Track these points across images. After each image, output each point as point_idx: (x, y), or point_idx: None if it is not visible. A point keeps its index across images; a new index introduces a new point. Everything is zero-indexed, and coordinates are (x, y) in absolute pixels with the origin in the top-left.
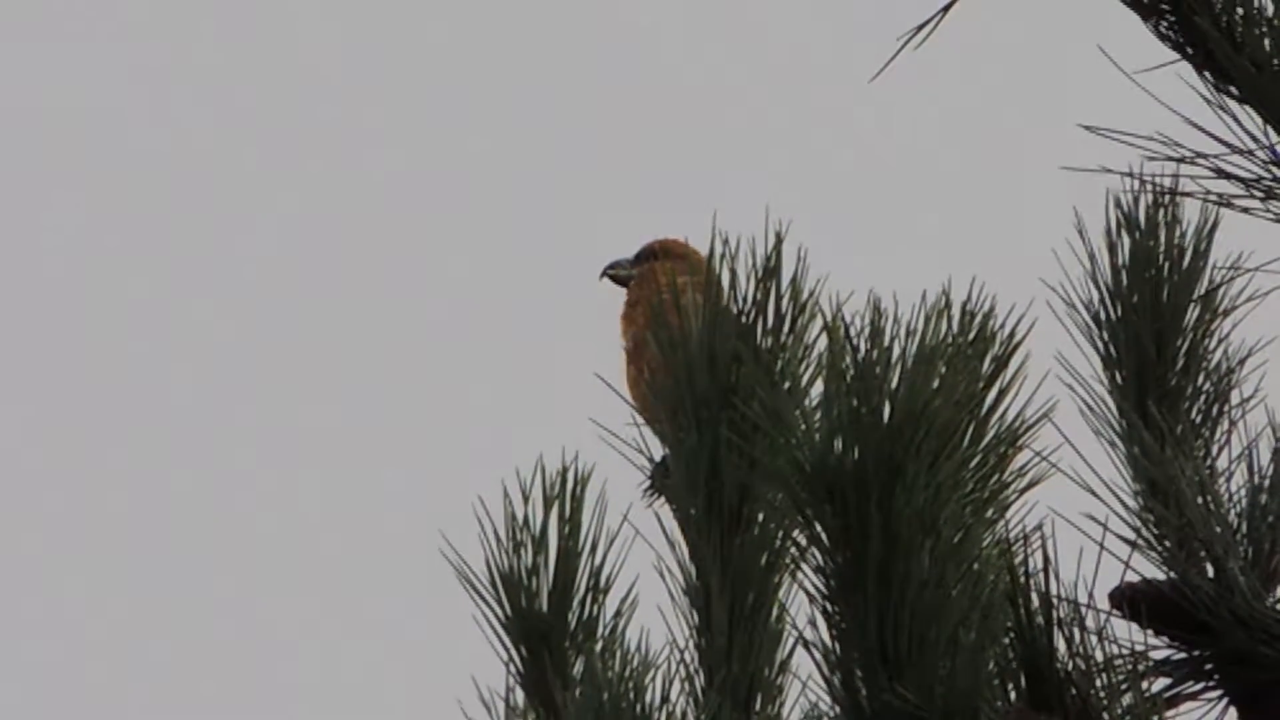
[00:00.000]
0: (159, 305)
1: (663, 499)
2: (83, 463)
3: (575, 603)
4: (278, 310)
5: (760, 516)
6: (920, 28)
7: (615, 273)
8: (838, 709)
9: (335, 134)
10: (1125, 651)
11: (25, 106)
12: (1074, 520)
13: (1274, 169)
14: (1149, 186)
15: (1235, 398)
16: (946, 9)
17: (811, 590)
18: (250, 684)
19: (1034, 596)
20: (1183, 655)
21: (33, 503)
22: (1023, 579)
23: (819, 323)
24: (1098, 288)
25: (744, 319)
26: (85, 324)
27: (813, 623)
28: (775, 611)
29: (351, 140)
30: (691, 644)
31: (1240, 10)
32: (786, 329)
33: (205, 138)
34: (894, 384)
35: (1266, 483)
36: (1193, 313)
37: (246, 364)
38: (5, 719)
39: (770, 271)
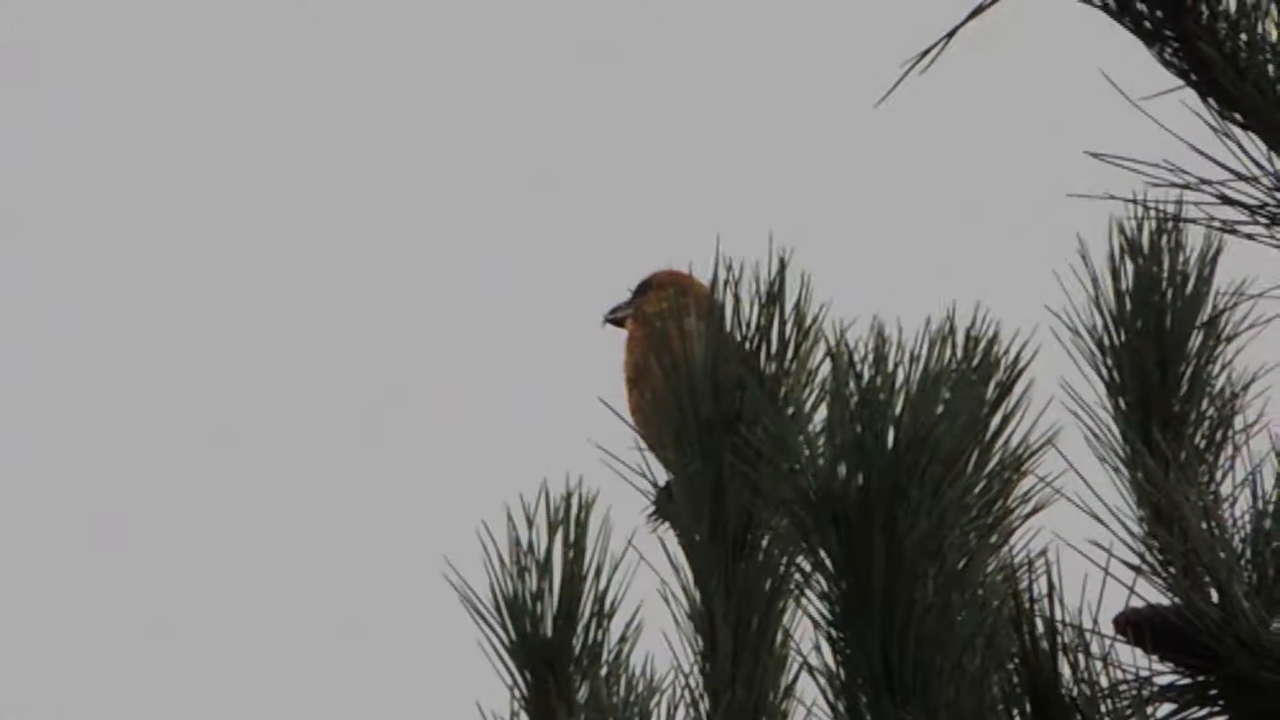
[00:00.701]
0: (154, 306)
1: (667, 524)
2: (81, 463)
3: (580, 628)
4: (282, 326)
5: (764, 542)
6: (925, 53)
7: (615, 316)
8: None
9: (338, 148)
10: (1130, 677)
11: None
12: (1078, 546)
13: (1278, 195)
14: (1153, 213)
15: (1239, 423)
16: (951, 34)
17: (816, 616)
18: (255, 711)
19: (1039, 622)
20: (1187, 681)
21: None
22: (1027, 605)
23: (823, 348)
24: (1101, 314)
25: (748, 344)
26: (86, 324)
27: (817, 648)
28: (780, 637)
29: (357, 161)
30: (696, 669)
31: (1244, 37)
32: (790, 354)
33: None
34: (898, 410)
35: (1271, 508)
36: (1196, 339)
37: (254, 382)
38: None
39: (774, 297)
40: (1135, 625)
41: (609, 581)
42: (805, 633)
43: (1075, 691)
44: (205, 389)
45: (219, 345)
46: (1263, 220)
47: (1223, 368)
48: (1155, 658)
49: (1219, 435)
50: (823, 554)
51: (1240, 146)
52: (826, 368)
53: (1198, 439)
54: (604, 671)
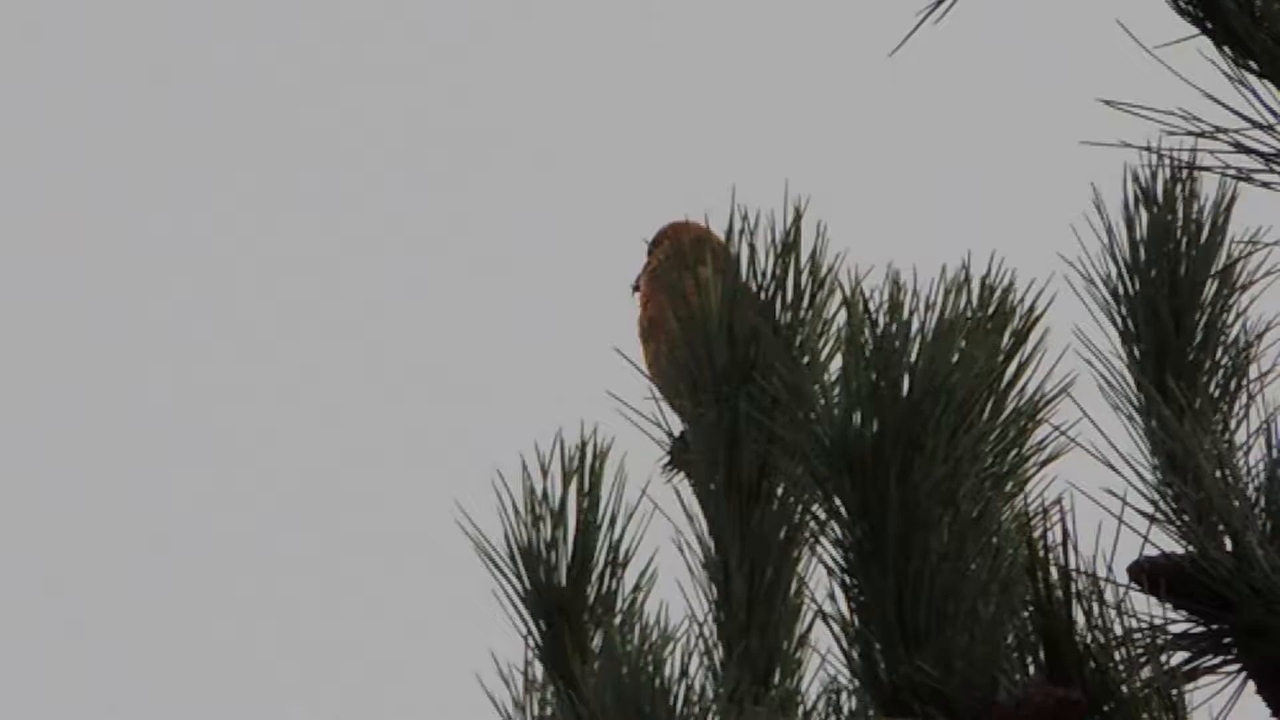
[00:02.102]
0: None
1: (682, 473)
2: (81, 459)
3: (594, 576)
4: (292, 280)
5: (779, 490)
6: (940, 1)
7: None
8: (856, 682)
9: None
10: (1144, 625)
11: None
12: (1093, 494)
13: None
14: (1167, 161)
15: (1253, 372)
16: None
17: (830, 564)
18: (266, 659)
19: (1053, 570)
20: (1201, 629)
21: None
22: (1042, 553)
23: (838, 297)
24: (1116, 262)
25: (763, 294)
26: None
27: (831, 596)
28: (794, 585)
29: (361, 116)
30: (710, 618)
31: None
32: (806, 304)
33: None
34: (913, 358)
35: None
36: (1211, 287)
37: (261, 332)
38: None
39: (789, 246)
40: (1149, 573)
41: (623, 530)
42: (820, 581)
43: (1089, 639)
44: (202, 334)
45: (242, 285)
46: (1278, 168)
47: (1237, 316)
48: (1169, 606)
49: (1233, 384)
50: (837, 502)
51: (1255, 95)
52: (842, 317)
53: (1212, 387)
54: (618, 620)
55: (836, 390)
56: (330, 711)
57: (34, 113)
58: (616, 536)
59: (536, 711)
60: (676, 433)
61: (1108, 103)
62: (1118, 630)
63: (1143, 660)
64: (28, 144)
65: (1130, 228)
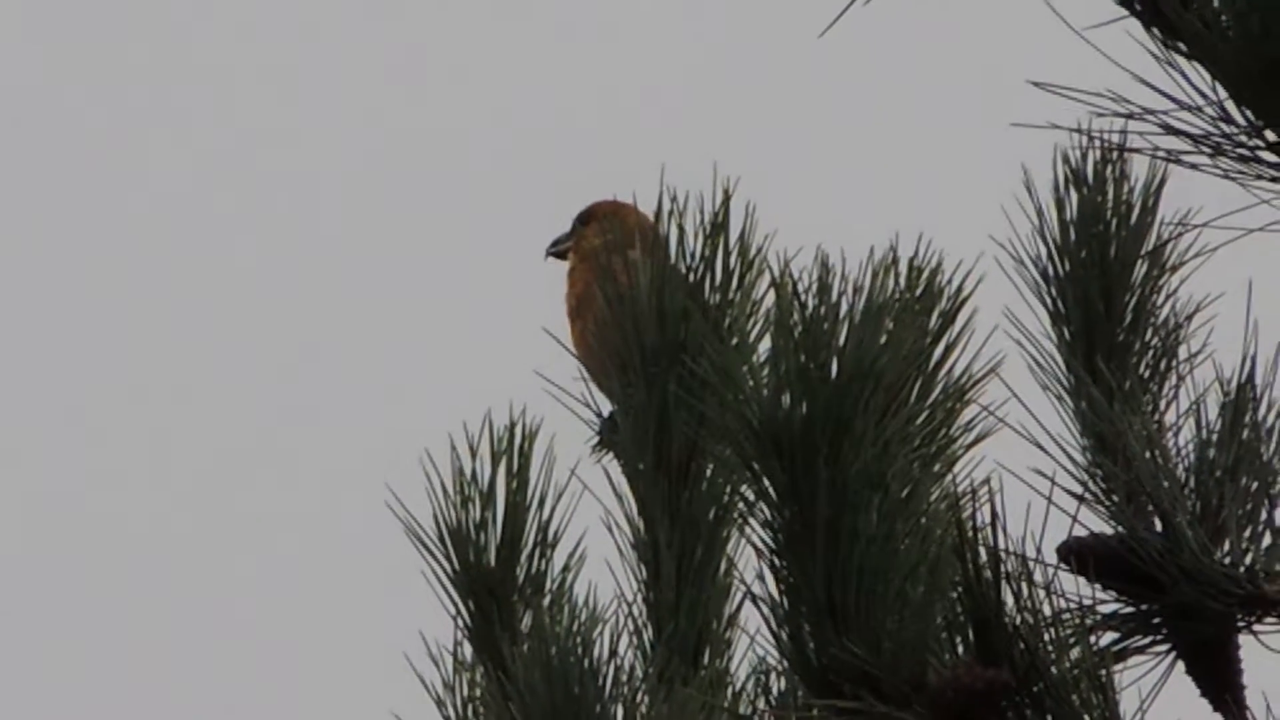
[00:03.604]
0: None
1: (611, 454)
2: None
3: (523, 557)
4: (235, 264)
5: (708, 471)
6: None
7: (557, 249)
8: (785, 663)
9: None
10: (1073, 605)
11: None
12: (1022, 475)
13: (1222, 125)
14: (1097, 143)
15: (1183, 353)
16: None
17: (759, 545)
18: (202, 641)
19: (982, 551)
20: (1131, 609)
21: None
22: (970, 533)
23: (767, 278)
24: (1046, 244)
25: (692, 275)
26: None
27: (760, 577)
28: (723, 566)
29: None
30: (640, 598)
31: None
32: (734, 285)
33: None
34: (841, 340)
35: (1214, 437)
36: (1141, 268)
37: (204, 321)
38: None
39: (718, 227)
40: (1078, 554)
41: (552, 511)
42: (749, 562)
43: (1018, 620)
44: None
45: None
46: (1206, 150)
47: (1167, 297)
48: (1098, 586)
49: (1163, 365)
50: (766, 483)
51: (1184, 76)
52: (770, 298)
53: (1142, 368)
54: (547, 601)
55: (765, 372)
56: (261, 695)
57: None
58: (545, 517)
59: (466, 692)
60: (605, 413)
61: (1037, 84)
62: (1047, 611)
63: (1072, 641)
64: None
65: (1060, 209)
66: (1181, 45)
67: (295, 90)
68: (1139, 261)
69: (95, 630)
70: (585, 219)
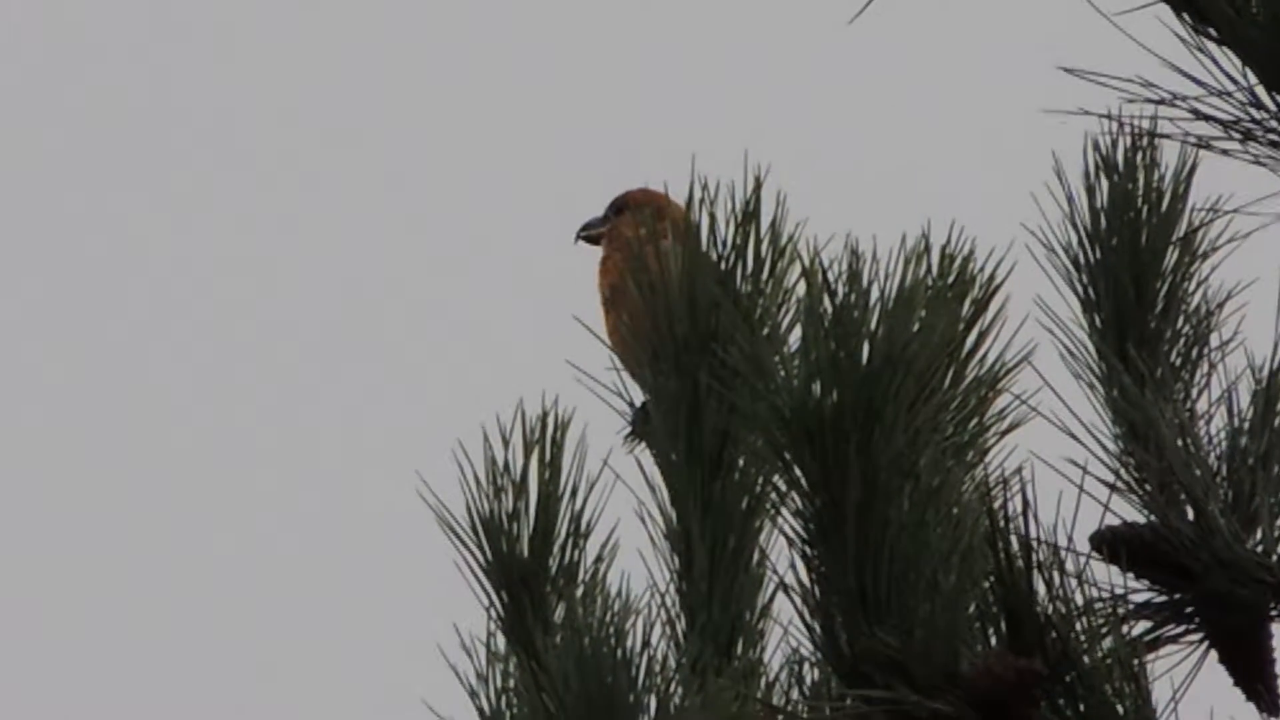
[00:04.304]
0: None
1: (643, 444)
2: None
3: (556, 547)
4: (251, 264)
5: (740, 461)
6: None
7: (589, 233)
8: (818, 653)
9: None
10: (1105, 595)
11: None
12: (1054, 463)
13: (1252, 110)
14: (1128, 129)
15: (1215, 340)
16: None
17: (791, 534)
18: (233, 639)
19: (1014, 540)
20: (1163, 598)
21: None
22: (1002, 523)
23: (798, 267)
24: (1077, 231)
25: (723, 264)
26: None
27: (793, 567)
28: (756, 556)
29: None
30: (672, 588)
31: None
32: (766, 273)
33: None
34: (873, 327)
35: (1246, 425)
36: (1172, 255)
37: (239, 326)
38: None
39: (749, 216)
40: (1110, 543)
41: (585, 501)
42: (781, 551)
43: (1050, 609)
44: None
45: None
46: (1236, 136)
47: (1198, 284)
48: (1130, 575)
49: (1194, 352)
50: (798, 472)
51: (1215, 62)
52: (802, 286)
53: (1173, 356)
54: (580, 591)
55: (796, 360)
56: (295, 688)
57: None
58: (578, 507)
59: (499, 683)
60: (638, 403)
61: (1068, 71)
62: (1079, 600)
63: (1104, 630)
64: None
65: (1091, 196)
66: (1212, 30)
67: (339, 74)
68: (1170, 248)
69: (137, 629)
70: (619, 207)
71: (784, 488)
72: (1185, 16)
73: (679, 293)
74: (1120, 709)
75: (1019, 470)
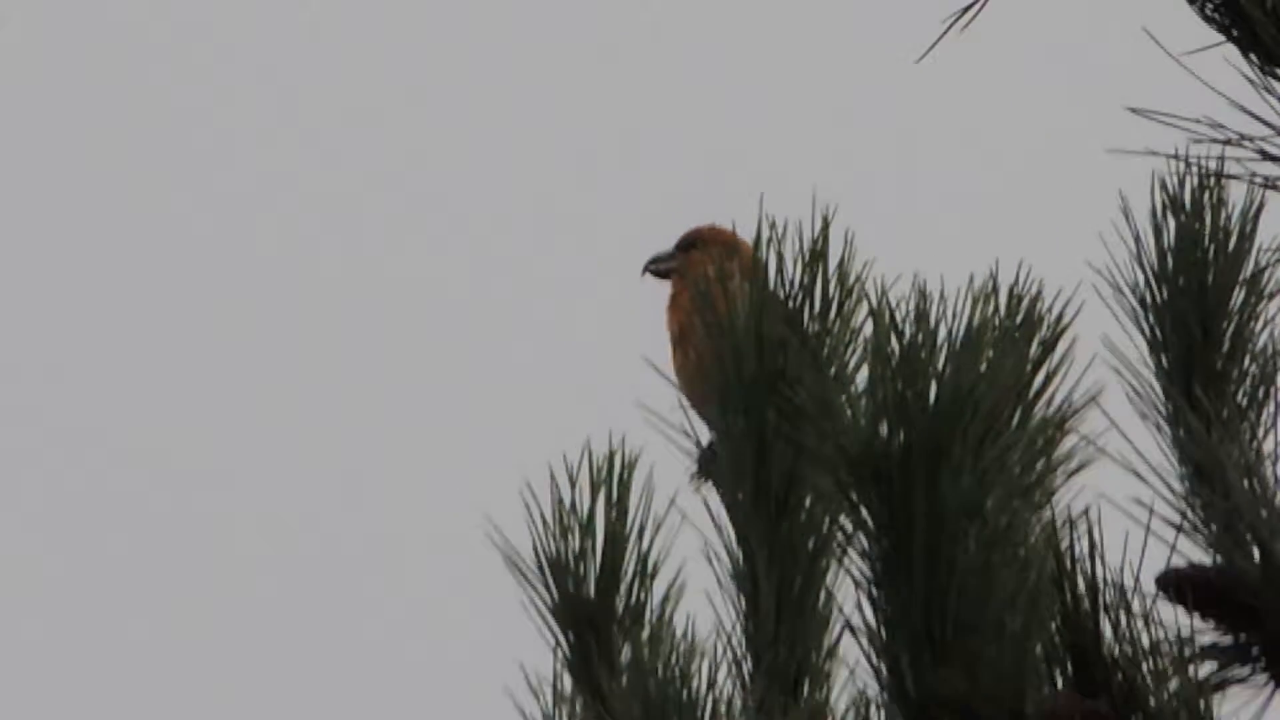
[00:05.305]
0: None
1: (710, 484)
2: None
3: (622, 587)
4: (322, 298)
5: (807, 501)
6: (966, 9)
7: (657, 267)
8: (884, 694)
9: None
10: (1172, 636)
11: None
12: (1120, 504)
13: None
14: (1194, 169)
15: None
16: None
17: (858, 575)
18: (297, 674)
19: (1080, 581)
20: (1230, 640)
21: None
22: (1069, 563)
23: (865, 306)
24: (1143, 271)
25: (790, 303)
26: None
27: (859, 608)
28: (822, 597)
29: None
30: (739, 629)
31: None
32: (833, 313)
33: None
34: (940, 368)
35: None
36: (1239, 295)
37: (289, 358)
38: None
39: (817, 255)
40: (1177, 584)
41: (652, 541)
42: (847, 592)
43: (1117, 650)
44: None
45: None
46: None
47: (1265, 324)
48: (1197, 616)
49: (1261, 393)
50: (864, 513)
51: None
52: (869, 326)
53: (1240, 396)
54: (646, 632)
55: (863, 401)
56: None
57: None
58: (645, 547)
59: None
60: (705, 443)
61: (1135, 111)
62: (1145, 641)
63: (1171, 672)
64: None
65: (1158, 236)
66: (1279, 71)
67: (379, 93)
68: (1237, 288)
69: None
70: (689, 244)
71: (850, 528)
72: (1252, 57)
73: (747, 332)
74: None
75: (1085, 511)
